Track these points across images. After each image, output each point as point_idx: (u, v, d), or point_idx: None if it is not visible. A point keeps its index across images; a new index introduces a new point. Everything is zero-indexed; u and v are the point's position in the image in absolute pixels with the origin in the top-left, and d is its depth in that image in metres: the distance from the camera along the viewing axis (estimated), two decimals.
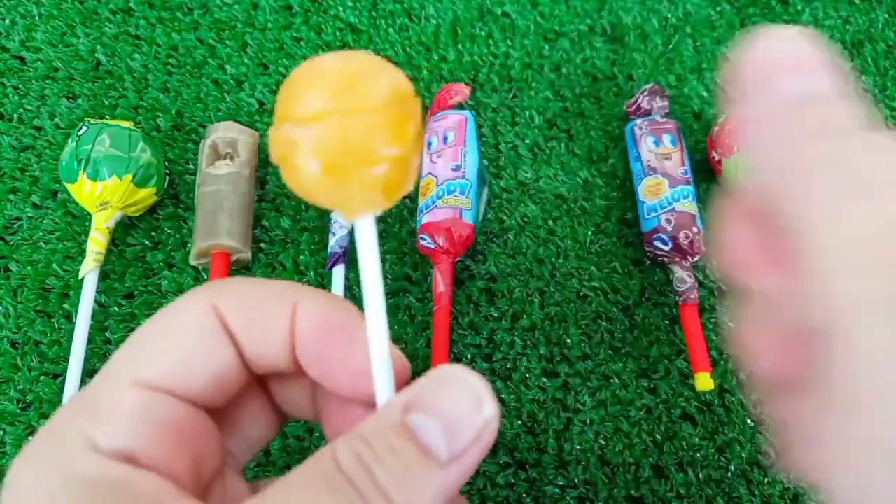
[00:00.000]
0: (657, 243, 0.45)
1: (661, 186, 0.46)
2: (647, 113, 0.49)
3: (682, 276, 0.44)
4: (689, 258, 0.45)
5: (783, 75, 0.15)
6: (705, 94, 0.53)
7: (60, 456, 0.16)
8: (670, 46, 0.55)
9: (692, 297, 0.44)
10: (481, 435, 0.16)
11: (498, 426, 0.16)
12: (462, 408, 0.16)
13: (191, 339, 0.18)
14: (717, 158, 0.47)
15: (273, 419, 0.22)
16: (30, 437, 0.42)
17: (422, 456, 0.15)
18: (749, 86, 0.16)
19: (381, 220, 0.48)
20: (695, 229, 0.45)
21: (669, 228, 0.44)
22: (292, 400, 0.22)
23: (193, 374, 0.18)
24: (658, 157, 0.47)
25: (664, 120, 0.49)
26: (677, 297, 0.44)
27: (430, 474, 0.15)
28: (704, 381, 0.41)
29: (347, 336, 0.19)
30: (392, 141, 0.16)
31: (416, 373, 0.18)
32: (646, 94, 0.49)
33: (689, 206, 0.45)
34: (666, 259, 0.45)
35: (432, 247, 0.45)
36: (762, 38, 0.16)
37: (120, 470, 0.16)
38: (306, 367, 0.20)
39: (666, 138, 0.48)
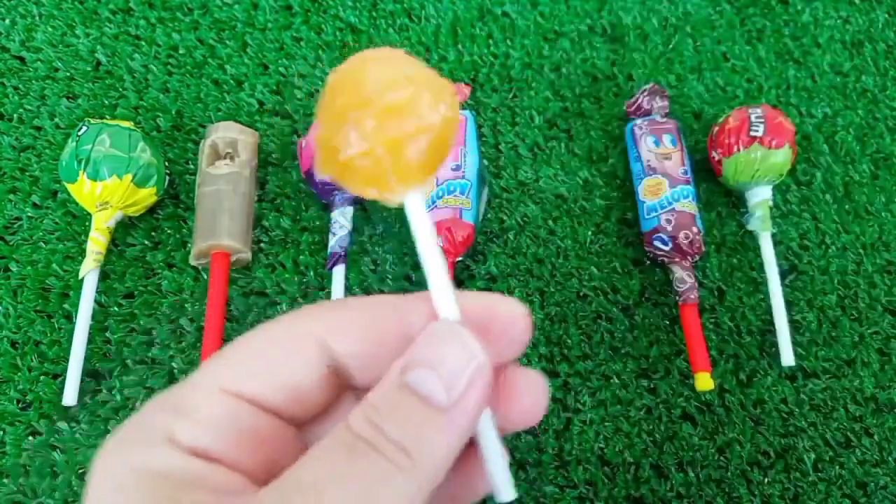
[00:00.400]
0: (657, 243, 0.45)
1: (661, 186, 0.46)
2: (648, 113, 0.49)
3: (682, 276, 0.44)
4: (689, 258, 0.45)
5: None
6: (705, 94, 0.53)
7: (138, 448, 0.17)
8: (670, 46, 0.55)
9: (692, 297, 0.44)
10: (475, 378, 0.17)
11: (490, 370, 0.17)
12: (453, 356, 0.17)
13: (281, 357, 0.19)
14: (717, 158, 0.47)
15: None
16: (30, 437, 0.42)
17: (424, 406, 0.17)
18: None
19: (381, 220, 0.48)
20: (695, 229, 0.45)
21: (669, 228, 0.44)
22: None
23: (277, 390, 0.19)
24: (658, 157, 0.47)
25: (664, 120, 0.49)
26: (677, 297, 0.44)
27: (435, 421, 0.17)
28: (704, 381, 0.42)
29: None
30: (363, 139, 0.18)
31: None
32: (646, 93, 0.49)
33: (689, 206, 0.45)
34: (666, 259, 0.45)
35: None
36: None
37: (195, 464, 0.17)
38: None
39: (666, 138, 0.48)
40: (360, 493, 0.16)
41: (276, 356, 0.19)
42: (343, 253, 0.45)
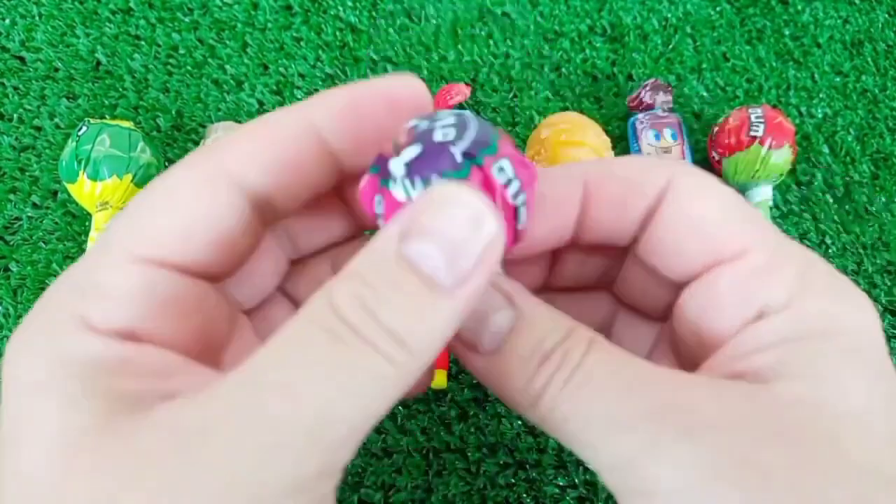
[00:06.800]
0: None
1: None
2: (649, 107, 0.49)
3: None
4: None
5: None
6: (705, 93, 0.53)
7: (53, 338, 0.15)
8: (670, 46, 0.55)
9: None
10: (484, 256, 0.14)
11: (502, 244, 0.15)
12: (460, 228, 0.14)
13: (191, 205, 0.16)
14: (717, 158, 0.47)
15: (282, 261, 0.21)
16: None
17: (426, 288, 0.14)
18: None
19: None
20: None
21: None
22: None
23: (193, 245, 0.16)
24: (658, 150, 0.47)
25: (665, 114, 0.49)
26: None
27: (437, 305, 0.14)
28: None
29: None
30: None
31: None
32: (647, 88, 0.49)
33: None
34: None
35: None
36: None
37: (117, 348, 0.15)
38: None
39: (666, 132, 0.48)
40: (344, 394, 0.13)
41: (186, 205, 0.16)
42: None
